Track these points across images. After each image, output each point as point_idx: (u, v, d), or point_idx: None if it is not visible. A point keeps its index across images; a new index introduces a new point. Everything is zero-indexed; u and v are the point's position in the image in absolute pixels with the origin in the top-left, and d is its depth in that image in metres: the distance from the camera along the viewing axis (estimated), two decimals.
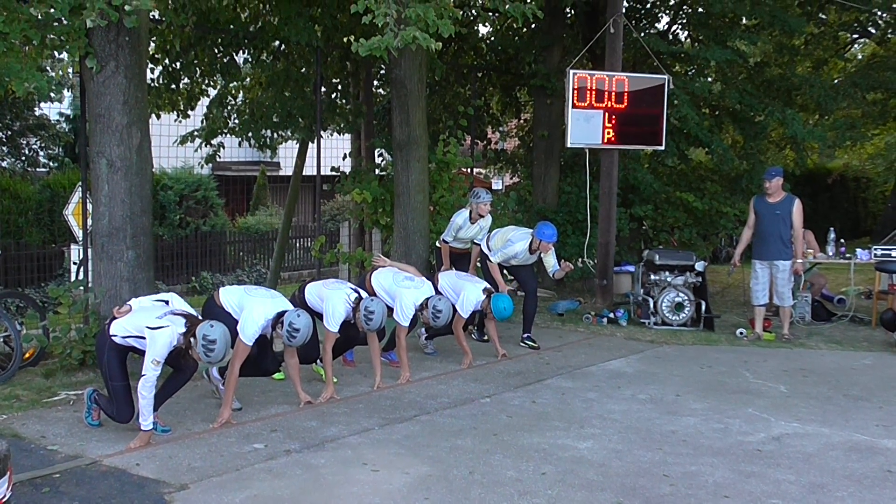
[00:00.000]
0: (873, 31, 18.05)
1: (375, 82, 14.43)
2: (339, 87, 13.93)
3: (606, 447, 5.75)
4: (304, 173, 14.50)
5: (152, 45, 10.82)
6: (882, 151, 23.22)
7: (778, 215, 9.51)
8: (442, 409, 6.65)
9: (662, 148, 11.53)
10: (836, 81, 16.84)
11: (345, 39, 7.85)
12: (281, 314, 6.23)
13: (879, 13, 16.19)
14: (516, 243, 8.92)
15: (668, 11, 15.34)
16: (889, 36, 17.27)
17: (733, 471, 5.32)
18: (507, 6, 8.91)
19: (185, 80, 11.96)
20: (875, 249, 10.73)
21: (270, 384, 7.27)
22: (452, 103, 14.89)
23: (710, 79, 15.04)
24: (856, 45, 20.27)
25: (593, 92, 10.63)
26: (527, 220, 12.43)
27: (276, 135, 13.23)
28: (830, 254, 10.92)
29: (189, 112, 12.36)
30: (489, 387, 7.37)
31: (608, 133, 10.75)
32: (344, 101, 14.00)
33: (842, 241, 11.02)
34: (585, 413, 6.59)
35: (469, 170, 13.15)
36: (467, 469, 5.26)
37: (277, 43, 12.08)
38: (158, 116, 11.78)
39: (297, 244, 19.00)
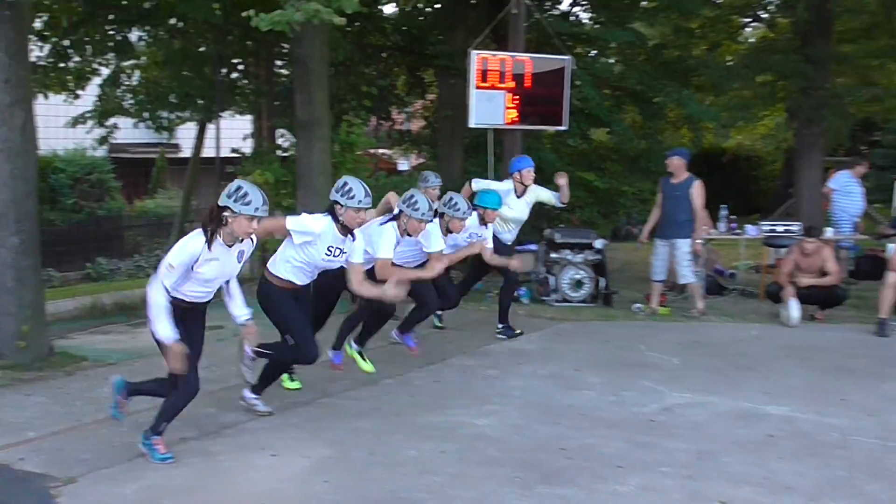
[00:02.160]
0: (764, 15, 18.54)
1: (279, 62, 14.17)
2: (241, 67, 13.66)
3: (506, 423, 5.79)
4: (204, 155, 14.20)
5: (39, 21, 10.37)
6: (772, 132, 24.02)
7: (678, 196, 9.71)
8: (344, 392, 6.60)
9: (565, 128, 11.59)
10: (729, 63, 17.28)
11: (243, 14, 7.66)
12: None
13: None
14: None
15: None
16: (778, 20, 17.78)
17: (628, 441, 5.43)
18: None
19: (76, 58, 11.50)
20: (763, 225, 11.09)
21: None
22: (357, 84, 14.76)
23: (611, 60, 15.26)
24: (748, 29, 20.77)
25: (496, 72, 10.64)
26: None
27: (174, 116, 12.89)
28: (722, 230, 11.22)
29: (81, 92, 11.91)
30: (392, 367, 7.31)
31: (511, 113, 10.76)
32: (245, 81, 13.73)
33: (733, 217, 11.33)
34: (487, 390, 6.62)
35: (375, 150, 13.06)
36: (367, 450, 5.23)
37: (174, 20, 11.71)
38: (46, 96, 11.29)
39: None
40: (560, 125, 11.33)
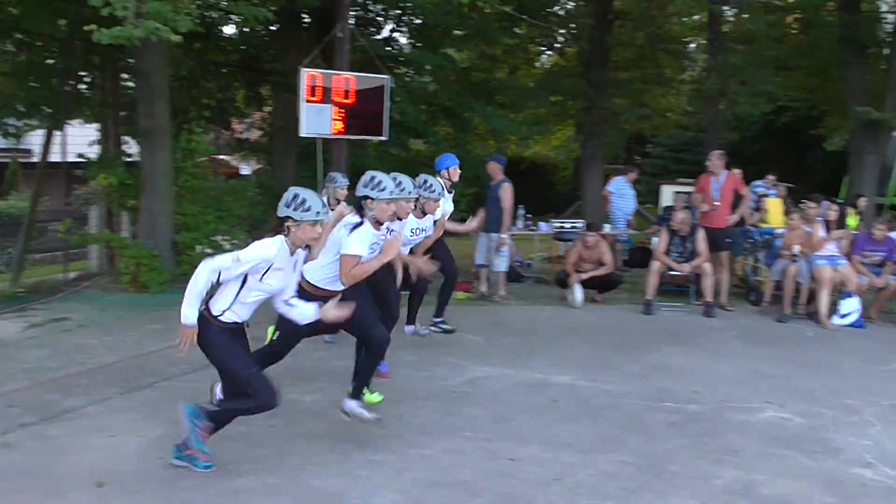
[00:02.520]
0: (557, 45, 19.21)
1: (125, 75, 13.48)
2: (88, 79, 12.90)
3: (329, 399, 5.72)
4: (52, 160, 13.33)
5: None
6: (564, 143, 24.99)
7: (493, 196, 9.95)
8: (182, 375, 6.32)
9: (385, 138, 11.61)
10: (531, 85, 17.80)
11: (85, 28, 7.25)
12: None
13: (559, 30, 17.28)
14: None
15: (391, 20, 15.48)
16: (567, 49, 18.48)
17: (436, 411, 5.49)
18: (241, 9, 8.63)
19: None
20: (554, 223, 11.52)
21: (8, 362, 6.58)
22: (199, 97, 14.25)
23: (426, 80, 15.39)
24: (544, 56, 21.45)
25: (323, 88, 10.52)
26: (266, 201, 12.12)
27: (21, 123, 12.01)
28: (520, 226, 11.56)
29: None
30: None
31: (337, 125, 10.67)
32: (92, 91, 12.98)
33: (529, 216, 11.70)
34: (313, 370, 6.52)
35: (217, 156, 12.64)
36: None
37: (20, 34, 10.91)
38: None
39: (50, 227, 17.48)
40: (381, 136, 11.35)
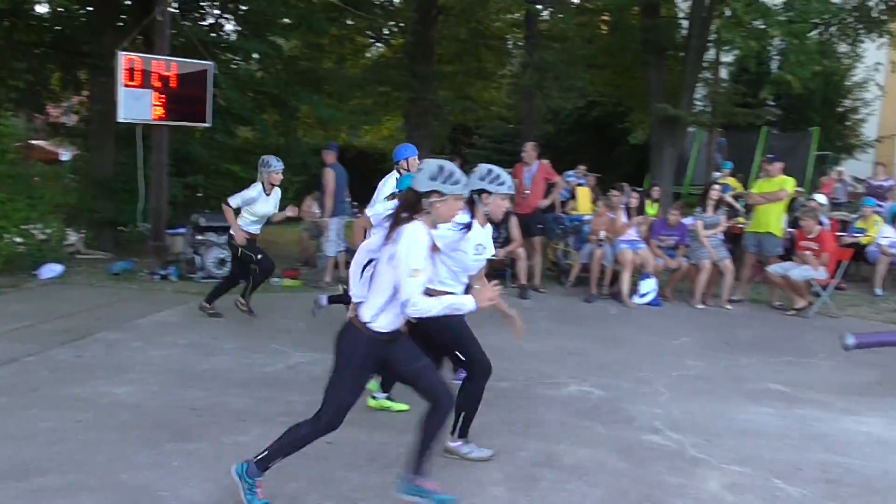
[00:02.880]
0: (384, 37, 19.18)
1: None
2: None
3: (143, 390, 5.46)
4: None
5: None
6: (393, 133, 25.03)
7: (320, 183, 9.97)
8: None
9: (208, 125, 11.17)
10: (357, 75, 17.66)
11: None
12: None
13: (385, 22, 17.27)
14: None
15: (216, 6, 14.88)
16: (393, 42, 18.51)
17: (253, 398, 5.35)
18: None
19: None
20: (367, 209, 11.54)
21: None
22: (8, 78, 13.09)
23: (253, 67, 14.93)
24: (374, 48, 21.35)
25: (142, 73, 9.97)
26: (83, 188, 11.38)
27: None
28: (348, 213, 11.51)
29: None
30: (35, 345, 6.56)
31: (157, 110, 10.15)
32: None
33: (354, 203, 11.65)
34: (128, 361, 6.18)
35: (33, 141, 11.67)
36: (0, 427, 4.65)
37: None
38: None
39: None
40: (205, 122, 10.92)
